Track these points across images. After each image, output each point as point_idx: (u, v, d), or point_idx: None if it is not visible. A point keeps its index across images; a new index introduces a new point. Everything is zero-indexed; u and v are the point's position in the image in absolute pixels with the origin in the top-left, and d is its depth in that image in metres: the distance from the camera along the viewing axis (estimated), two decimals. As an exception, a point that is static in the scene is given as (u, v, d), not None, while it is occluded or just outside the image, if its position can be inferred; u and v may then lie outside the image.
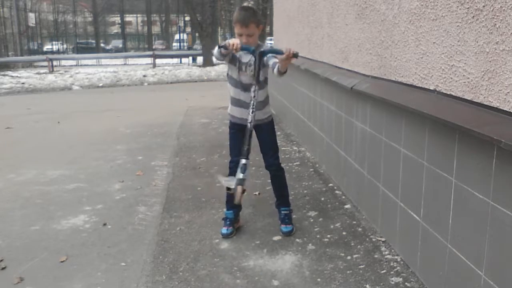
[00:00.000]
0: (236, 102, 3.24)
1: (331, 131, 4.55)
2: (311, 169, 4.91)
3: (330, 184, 4.42)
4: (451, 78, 2.28)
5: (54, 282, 2.80)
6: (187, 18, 32.71)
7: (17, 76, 18.25)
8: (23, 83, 15.91)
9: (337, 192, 4.22)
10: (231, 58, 3.15)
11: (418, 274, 2.70)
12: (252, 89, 3.05)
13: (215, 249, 3.14)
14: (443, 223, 2.36)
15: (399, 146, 2.89)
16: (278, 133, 5.18)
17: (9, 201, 4.22)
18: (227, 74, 3.28)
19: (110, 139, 6.73)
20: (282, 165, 3.46)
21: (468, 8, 2.11)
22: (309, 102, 5.42)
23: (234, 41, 2.90)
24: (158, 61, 22.95)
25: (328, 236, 3.31)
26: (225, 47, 2.95)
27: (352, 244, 3.18)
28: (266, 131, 3.32)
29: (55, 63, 22.54)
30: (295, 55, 2.91)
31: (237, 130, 3.23)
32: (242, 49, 2.98)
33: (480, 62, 2.03)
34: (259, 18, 3.03)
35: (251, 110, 3.03)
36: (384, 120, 3.14)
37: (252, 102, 3.03)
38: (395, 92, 2.91)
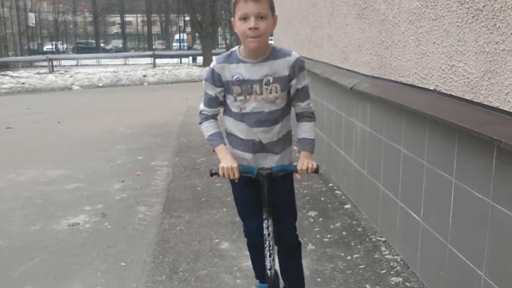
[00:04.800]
0: (245, 145, 2.08)
1: (331, 131, 4.55)
2: (311, 169, 4.91)
3: (330, 184, 4.42)
4: (451, 78, 2.28)
5: (54, 282, 2.80)
6: (187, 18, 32.71)
7: (17, 76, 18.25)
8: (23, 83, 15.91)
9: (337, 192, 4.22)
10: (225, 84, 2.03)
11: (418, 274, 2.70)
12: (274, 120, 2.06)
13: (215, 249, 3.14)
14: (443, 223, 2.36)
15: (399, 146, 2.89)
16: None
17: (9, 201, 4.22)
18: (223, 101, 2.11)
19: (110, 139, 6.73)
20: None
21: (468, 8, 2.11)
22: (309, 102, 5.41)
23: (229, 166, 1.94)
24: (158, 61, 22.95)
25: (328, 236, 3.31)
26: (218, 174, 1.98)
27: (352, 244, 3.18)
28: (284, 188, 2.17)
29: (55, 63, 22.55)
30: (316, 171, 2.03)
31: (246, 183, 2.10)
32: (243, 172, 1.99)
33: (480, 62, 2.02)
34: (273, 3, 1.95)
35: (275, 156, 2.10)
36: (384, 120, 3.14)
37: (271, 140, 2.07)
38: (395, 92, 2.91)
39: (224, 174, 1.94)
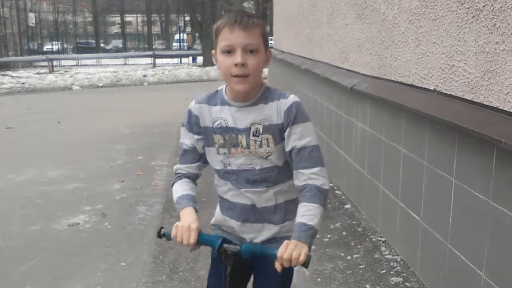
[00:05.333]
0: (232, 209, 1.58)
1: (331, 131, 4.55)
2: (311, 169, 4.91)
3: (330, 184, 4.41)
4: (451, 78, 2.28)
5: (54, 282, 2.80)
6: (187, 18, 32.71)
7: (17, 76, 18.24)
8: (23, 83, 15.90)
9: (337, 192, 4.22)
10: (204, 131, 1.55)
11: (418, 274, 2.70)
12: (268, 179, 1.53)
13: (215, 249, 3.14)
14: (443, 223, 2.36)
15: (399, 146, 2.89)
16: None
17: (9, 201, 4.22)
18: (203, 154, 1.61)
19: (110, 139, 6.73)
20: None
21: (468, 8, 2.11)
22: (309, 102, 5.41)
23: (186, 225, 1.43)
24: (158, 61, 22.93)
25: (328, 236, 3.31)
26: (169, 235, 1.49)
27: (352, 244, 3.18)
28: (272, 272, 1.41)
29: (55, 63, 22.53)
30: (305, 265, 1.33)
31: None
32: (204, 240, 1.45)
33: (480, 62, 2.02)
34: (267, 34, 1.54)
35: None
36: (384, 120, 3.14)
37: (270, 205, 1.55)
38: (395, 92, 2.91)
39: (177, 235, 1.43)
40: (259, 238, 1.56)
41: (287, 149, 1.47)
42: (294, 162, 1.47)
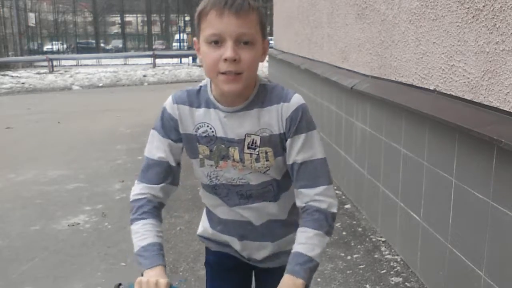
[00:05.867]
0: (225, 224, 1.34)
1: (331, 131, 4.55)
2: (311, 169, 4.91)
3: (330, 184, 4.42)
4: (451, 78, 2.28)
5: (54, 282, 2.80)
6: (187, 18, 32.72)
7: (17, 76, 18.24)
8: (23, 83, 15.90)
9: (337, 192, 4.22)
10: (185, 138, 1.25)
11: (418, 274, 2.70)
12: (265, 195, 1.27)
13: (215, 249, 3.14)
14: (443, 223, 2.36)
15: (399, 146, 2.89)
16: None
17: (9, 201, 4.21)
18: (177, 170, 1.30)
19: (110, 139, 6.73)
20: None
21: (468, 8, 2.11)
22: (309, 102, 5.42)
23: (154, 281, 1.15)
24: (158, 61, 22.93)
25: (328, 236, 3.31)
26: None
27: (352, 244, 3.18)
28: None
29: (55, 63, 22.52)
30: None
31: (229, 269, 1.42)
32: None
33: (480, 62, 2.02)
34: (265, 21, 1.22)
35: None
36: (384, 120, 3.14)
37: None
38: (395, 92, 2.91)
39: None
40: (259, 256, 1.35)
41: (288, 162, 1.19)
42: (295, 179, 1.19)
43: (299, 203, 1.19)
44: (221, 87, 1.13)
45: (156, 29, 44.14)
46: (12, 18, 27.81)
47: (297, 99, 1.19)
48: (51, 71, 20.53)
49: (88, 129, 7.57)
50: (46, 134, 7.32)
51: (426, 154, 2.53)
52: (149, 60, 23.27)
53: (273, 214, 1.29)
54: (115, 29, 46.38)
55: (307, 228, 1.14)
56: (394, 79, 3.00)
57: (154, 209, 1.23)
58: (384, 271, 2.81)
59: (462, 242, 2.21)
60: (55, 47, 34.00)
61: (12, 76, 18.24)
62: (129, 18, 43.16)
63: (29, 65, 25.01)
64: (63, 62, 25.57)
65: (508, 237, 1.84)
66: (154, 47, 34.56)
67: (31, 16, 32.32)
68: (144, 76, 17.68)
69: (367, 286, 2.65)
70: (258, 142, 1.19)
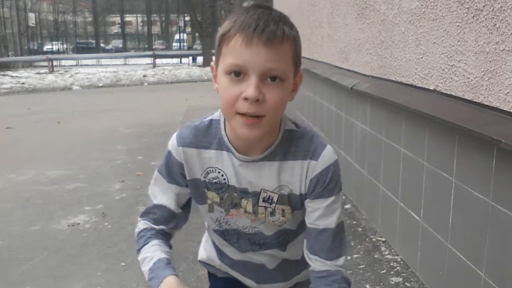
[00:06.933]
0: (238, 265, 1.23)
1: (331, 131, 4.55)
2: (311, 169, 4.91)
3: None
4: (451, 78, 2.28)
5: (54, 282, 2.80)
6: (187, 18, 32.71)
7: (17, 76, 18.24)
8: (23, 83, 15.90)
9: (337, 192, 4.22)
10: (191, 184, 1.11)
11: (418, 274, 2.70)
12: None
13: (215, 249, 3.14)
14: (443, 223, 2.36)
15: (399, 146, 2.89)
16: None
17: (9, 201, 4.21)
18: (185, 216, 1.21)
19: (110, 139, 6.73)
20: None
21: (468, 8, 2.11)
22: (309, 102, 5.42)
23: None
24: (158, 61, 22.94)
25: (328, 236, 3.31)
26: None
27: (352, 244, 3.18)
28: None
29: (55, 63, 22.53)
30: None
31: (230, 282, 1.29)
32: None
33: (480, 62, 2.02)
34: (300, 51, 0.97)
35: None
36: (384, 120, 3.14)
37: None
38: (395, 92, 2.91)
39: None
40: None
41: (306, 220, 1.05)
42: (312, 243, 1.04)
43: (315, 267, 1.04)
44: (237, 130, 0.95)
45: (156, 29, 44.13)
46: (12, 18, 27.82)
47: (327, 157, 1.01)
48: (51, 71, 20.53)
49: (88, 129, 7.57)
50: (46, 134, 7.32)
51: (426, 154, 2.53)
52: (149, 60, 23.29)
53: (288, 256, 1.19)
54: (115, 29, 46.38)
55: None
56: (394, 79, 3.00)
57: (159, 234, 1.10)
58: (384, 271, 2.81)
59: (462, 242, 2.21)
60: (55, 47, 34.01)
61: (12, 76, 18.24)
62: (129, 18, 43.15)
63: (29, 65, 25.02)
64: (63, 62, 25.60)
65: (508, 237, 1.84)
66: (154, 47, 34.58)
67: (31, 16, 32.32)
68: (144, 76, 17.68)
69: (367, 286, 2.65)
70: (275, 200, 1.04)
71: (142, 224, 1.12)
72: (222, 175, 1.04)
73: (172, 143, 1.08)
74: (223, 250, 1.21)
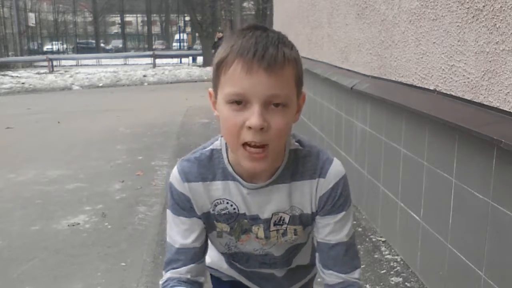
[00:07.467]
0: (244, 273, 1.23)
1: (331, 131, 4.55)
2: (311, 169, 4.91)
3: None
4: (451, 78, 2.28)
5: (54, 282, 2.80)
6: (187, 18, 32.72)
7: (17, 76, 18.24)
8: (23, 83, 15.90)
9: (337, 192, 4.22)
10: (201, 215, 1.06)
11: (418, 274, 2.70)
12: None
13: (215, 249, 3.14)
14: (443, 223, 2.36)
15: (399, 146, 2.89)
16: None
17: (9, 201, 4.21)
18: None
19: (110, 139, 6.73)
20: None
21: (468, 8, 2.11)
22: (309, 102, 5.42)
23: None
24: (158, 61, 22.95)
25: (328, 236, 3.31)
26: None
27: (352, 244, 3.18)
28: None
29: (55, 63, 22.54)
30: None
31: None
32: None
33: (480, 62, 2.02)
34: (302, 73, 0.93)
35: None
36: (384, 120, 3.14)
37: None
38: (395, 92, 2.91)
39: None
40: None
41: (316, 235, 1.05)
42: (325, 258, 1.05)
43: (329, 281, 1.07)
44: (242, 163, 0.92)
45: (156, 29, 44.16)
46: (12, 18, 27.81)
47: (335, 172, 1.00)
48: (51, 71, 20.54)
49: (88, 129, 7.57)
50: (46, 134, 7.32)
51: (426, 154, 2.53)
52: (149, 60, 23.30)
53: (296, 264, 1.20)
54: (115, 29, 46.39)
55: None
56: (394, 79, 3.00)
57: (185, 284, 1.02)
58: (384, 271, 2.81)
59: (462, 242, 2.21)
60: (55, 47, 34.01)
61: (12, 76, 18.25)
62: (129, 18, 43.15)
63: (29, 65, 25.03)
64: (63, 62, 25.61)
65: (508, 237, 1.84)
66: (154, 47, 34.60)
67: (31, 16, 32.31)
68: (144, 76, 17.69)
69: (367, 286, 2.65)
70: (287, 220, 1.03)
71: (166, 277, 1.05)
72: (231, 205, 1.02)
73: (176, 180, 1.03)
74: (232, 262, 1.20)
